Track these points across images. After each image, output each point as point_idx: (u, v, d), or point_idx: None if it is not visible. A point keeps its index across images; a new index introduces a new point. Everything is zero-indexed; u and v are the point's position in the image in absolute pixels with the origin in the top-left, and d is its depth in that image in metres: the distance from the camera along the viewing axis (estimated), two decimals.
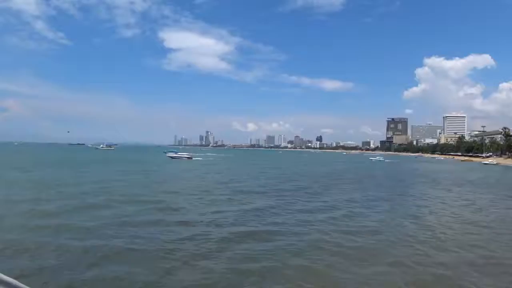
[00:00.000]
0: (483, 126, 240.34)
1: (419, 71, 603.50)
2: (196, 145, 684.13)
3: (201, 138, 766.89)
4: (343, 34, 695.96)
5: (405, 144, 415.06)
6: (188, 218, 19.65)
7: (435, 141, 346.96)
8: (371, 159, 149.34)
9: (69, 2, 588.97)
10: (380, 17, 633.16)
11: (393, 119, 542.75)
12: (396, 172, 73.14)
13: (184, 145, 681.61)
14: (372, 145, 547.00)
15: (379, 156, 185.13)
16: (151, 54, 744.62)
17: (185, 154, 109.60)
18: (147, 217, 19.62)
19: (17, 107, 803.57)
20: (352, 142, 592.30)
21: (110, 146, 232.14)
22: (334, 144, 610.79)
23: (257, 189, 34.10)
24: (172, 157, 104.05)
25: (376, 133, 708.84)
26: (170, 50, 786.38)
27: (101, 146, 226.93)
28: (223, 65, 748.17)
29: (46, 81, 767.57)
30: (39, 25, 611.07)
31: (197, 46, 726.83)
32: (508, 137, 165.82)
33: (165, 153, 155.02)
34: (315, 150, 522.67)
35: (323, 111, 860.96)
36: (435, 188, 41.05)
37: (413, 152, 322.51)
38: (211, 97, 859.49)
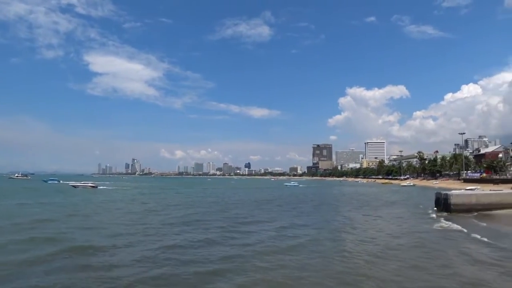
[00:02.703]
0: (400, 151, 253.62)
1: (342, 100, 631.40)
2: (121, 173, 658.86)
3: (127, 166, 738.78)
4: (270, 64, 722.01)
5: (330, 169, 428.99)
6: None
7: (358, 165, 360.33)
8: (286, 185, 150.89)
9: None
10: (306, 49, 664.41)
11: (318, 145, 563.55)
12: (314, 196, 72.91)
13: (109, 174, 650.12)
14: (299, 171, 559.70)
15: (293, 182, 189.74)
16: (75, 78, 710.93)
17: (89, 183, 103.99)
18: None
19: None
20: (280, 168, 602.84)
21: (26, 175, 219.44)
22: (262, 171, 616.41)
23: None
24: (75, 186, 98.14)
25: (303, 159, 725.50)
26: (96, 74, 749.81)
27: (16, 175, 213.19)
28: (151, 91, 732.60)
29: None
30: None
31: (124, 71, 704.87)
32: (423, 160, 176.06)
33: (45, 181, 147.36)
34: (239, 177, 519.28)
35: (252, 138, 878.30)
36: (360, 210, 42.41)
37: (337, 177, 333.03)
38: (138, 123, 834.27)
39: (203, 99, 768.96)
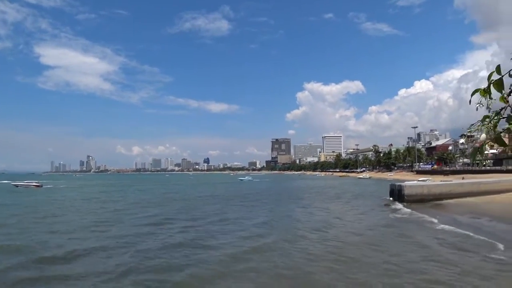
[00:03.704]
0: (357, 145, 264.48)
1: (300, 95, 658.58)
2: (76, 171, 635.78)
3: (81, 163, 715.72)
4: (229, 58, 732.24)
5: (289, 163, 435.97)
6: None
7: (315, 159, 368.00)
8: (240, 179, 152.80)
9: None
10: (265, 43, 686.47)
11: (277, 139, 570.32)
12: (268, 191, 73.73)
13: (63, 171, 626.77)
14: (258, 165, 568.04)
15: (248, 176, 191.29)
16: (24, 71, 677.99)
17: (33, 182, 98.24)
18: None
19: None
20: (239, 163, 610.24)
21: None
22: (221, 166, 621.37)
23: None
24: (17, 185, 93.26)
25: (262, 154, 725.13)
26: (47, 67, 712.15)
27: None
28: (106, 86, 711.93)
29: None
30: None
31: (78, 64, 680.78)
32: (378, 153, 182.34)
33: None
34: (196, 173, 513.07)
35: (210, 133, 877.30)
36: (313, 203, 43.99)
37: (296, 171, 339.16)
38: (93, 119, 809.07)
39: (161, 93, 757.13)
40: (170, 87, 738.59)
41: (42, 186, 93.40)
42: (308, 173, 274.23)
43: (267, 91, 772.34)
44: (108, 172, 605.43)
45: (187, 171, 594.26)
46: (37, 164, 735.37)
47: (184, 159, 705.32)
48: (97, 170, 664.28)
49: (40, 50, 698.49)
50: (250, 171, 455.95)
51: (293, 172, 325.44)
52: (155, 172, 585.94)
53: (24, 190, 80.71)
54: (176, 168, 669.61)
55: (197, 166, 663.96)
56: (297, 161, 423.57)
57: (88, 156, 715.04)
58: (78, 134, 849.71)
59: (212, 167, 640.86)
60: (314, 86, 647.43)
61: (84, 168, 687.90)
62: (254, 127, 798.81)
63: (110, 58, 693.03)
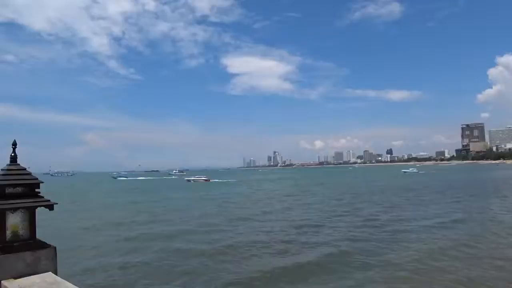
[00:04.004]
0: None
1: (492, 72, 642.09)
2: (264, 166, 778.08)
3: (269, 158, 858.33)
4: (404, 41, 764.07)
5: (483, 151, 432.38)
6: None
7: None
8: (404, 171, 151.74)
9: (137, 40, 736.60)
10: (443, 20, 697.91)
11: (467, 125, 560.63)
12: None
13: (253, 167, 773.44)
14: (447, 155, 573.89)
15: (412, 168, 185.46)
16: (215, 81, 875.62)
17: (202, 177, 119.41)
18: None
19: (95, 140, 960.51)
20: (425, 153, 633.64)
21: (182, 171, 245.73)
22: (405, 157, 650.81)
23: None
24: (188, 180, 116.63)
25: (451, 142, 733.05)
26: (234, 75, 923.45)
27: (174, 171, 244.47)
28: (286, 85, 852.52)
29: (119, 114, 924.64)
30: (112, 64, 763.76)
31: (259, 69, 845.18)
32: None
33: (114, 178, 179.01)
34: (355, 166, 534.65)
35: (392, 123, 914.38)
36: None
37: (493, 159, 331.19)
38: (277, 117, 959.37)
39: (338, 87, 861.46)
40: (346, 80, 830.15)
41: (209, 181, 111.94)
42: (510, 162, 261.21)
43: (451, 72, 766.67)
44: (293, 166, 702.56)
45: (369, 163, 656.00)
46: (232, 160, 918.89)
47: (366, 151, 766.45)
48: (283, 165, 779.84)
49: (227, 61, 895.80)
50: (438, 162, 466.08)
51: (490, 162, 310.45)
52: (337, 165, 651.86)
53: (194, 185, 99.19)
54: (359, 161, 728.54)
55: (379, 158, 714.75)
56: (494, 148, 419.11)
57: (275, 152, 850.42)
58: (265, 132, 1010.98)
59: (396, 158, 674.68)
60: (510, 58, 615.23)
61: (272, 163, 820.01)
62: (440, 113, 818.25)
63: (287, 59, 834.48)
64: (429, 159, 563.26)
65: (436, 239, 22.28)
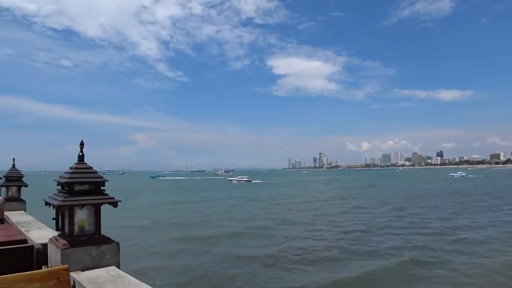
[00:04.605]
0: None
1: None
2: (310, 167, 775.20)
3: (314, 160, 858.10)
4: (455, 39, 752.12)
5: None
6: None
7: None
8: (451, 175, 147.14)
9: (184, 43, 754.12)
10: (497, 14, 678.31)
11: None
12: None
13: (298, 168, 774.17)
14: (502, 158, 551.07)
15: (460, 171, 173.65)
16: (261, 82, 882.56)
17: (244, 178, 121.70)
18: None
19: (144, 140, 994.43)
20: (478, 156, 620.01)
21: (228, 172, 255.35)
22: (457, 159, 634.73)
23: None
24: (231, 181, 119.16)
25: (507, 144, 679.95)
26: (279, 76, 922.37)
27: (220, 171, 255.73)
28: (332, 86, 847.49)
29: (167, 115, 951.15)
30: (161, 67, 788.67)
31: (305, 70, 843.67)
32: None
33: (153, 177, 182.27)
34: (405, 167, 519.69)
35: (443, 124, 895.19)
36: None
37: None
38: (323, 118, 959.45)
39: (386, 87, 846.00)
40: (394, 80, 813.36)
41: (251, 181, 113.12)
42: None
43: (506, 70, 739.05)
44: (339, 168, 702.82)
45: (418, 166, 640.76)
46: (277, 161, 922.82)
47: (414, 153, 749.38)
48: (328, 166, 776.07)
49: (272, 63, 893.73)
50: (493, 165, 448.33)
51: None
52: (385, 168, 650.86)
53: (236, 185, 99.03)
54: (407, 163, 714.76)
55: (429, 161, 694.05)
56: None
57: (320, 153, 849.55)
58: (310, 133, 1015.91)
59: (447, 161, 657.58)
60: None
61: (317, 165, 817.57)
62: (494, 113, 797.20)
63: (333, 60, 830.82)
64: (483, 162, 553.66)
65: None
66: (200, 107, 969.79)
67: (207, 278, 16.02)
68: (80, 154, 3.75)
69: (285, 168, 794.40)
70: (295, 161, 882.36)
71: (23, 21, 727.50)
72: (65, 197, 3.47)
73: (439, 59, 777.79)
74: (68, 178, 3.55)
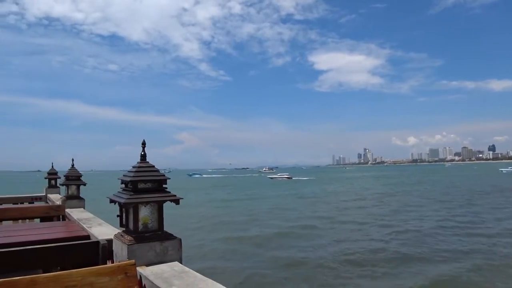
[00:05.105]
0: None
1: None
2: (354, 164, 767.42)
3: (359, 156, 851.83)
4: (505, 25, 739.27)
5: None
6: None
7: None
8: (501, 170, 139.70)
9: (225, 43, 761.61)
10: None
11: None
12: None
13: (342, 164, 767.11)
14: None
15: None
16: (302, 78, 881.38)
17: (285, 175, 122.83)
18: None
19: (189, 139, 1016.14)
20: None
21: (271, 169, 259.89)
22: (511, 153, 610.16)
23: None
24: (271, 178, 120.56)
25: None
26: (321, 72, 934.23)
27: (264, 169, 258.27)
28: (375, 80, 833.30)
29: (211, 114, 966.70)
30: (203, 67, 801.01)
31: (347, 64, 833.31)
32: None
33: (189, 175, 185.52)
34: (453, 162, 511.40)
35: (494, 116, 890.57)
36: None
37: None
38: (366, 113, 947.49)
39: (432, 79, 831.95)
40: (440, 71, 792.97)
41: (292, 178, 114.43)
42: None
43: None
44: (385, 164, 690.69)
45: (468, 160, 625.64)
46: (321, 158, 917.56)
47: (464, 147, 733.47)
48: (373, 162, 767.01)
49: (313, 58, 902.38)
50: None
51: None
52: (432, 163, 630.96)
53: (279, 182, 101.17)
54: (456, 158, 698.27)
55: (480, 155, 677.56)
56: None
57: (365, 149, 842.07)
58: (354, 129, 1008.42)
59: (499, 155, 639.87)
60: None
61: (362, 161, 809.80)
62: None
63: (376, 53, 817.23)
64: None
65: None
66: (243, 105, 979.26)
67: (259, 283, 15.64)
68: (143, 153, 3.87)
69: (329, 165, 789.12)
70: (339, 157, 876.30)
71: (72, 30, 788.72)
72: (130, 195, 3.61)
73: (488, 47, 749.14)
74: (133, 176, 3.68)
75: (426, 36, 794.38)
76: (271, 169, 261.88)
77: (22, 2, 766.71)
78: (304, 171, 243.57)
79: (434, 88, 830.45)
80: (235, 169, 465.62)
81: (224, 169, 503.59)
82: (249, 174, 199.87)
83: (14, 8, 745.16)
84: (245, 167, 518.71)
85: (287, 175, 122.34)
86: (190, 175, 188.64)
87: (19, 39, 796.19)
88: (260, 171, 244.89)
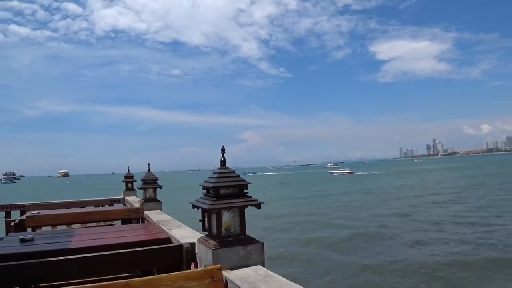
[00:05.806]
0: None
1: None
2: (423, 156, 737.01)
3: (428, 147, 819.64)
4: None
5: None
6: None
7: None
8: None
9: (283, 40, 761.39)
10: None
11: None
12: None
13: (410, 157, 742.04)
14: None
15: None
16: (364, 70, 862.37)
17: (346, 170, 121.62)
18: None
19: (253, 137, 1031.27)
20: None
21: (337, 164, 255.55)
22: None
23: None
24: (332, 173, 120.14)
25: None
26: (383, 62, 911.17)
27: (329, 164, 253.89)
28: (442, 66, 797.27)
29: (273, 112, 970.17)
30: (263, 65, 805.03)
31: (410, 52, 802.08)
32: None
33: (244, 174, 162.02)
34: None
35: None
36: None
37: None
38: (434, 102, 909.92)
39: (506, 60, 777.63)
40: None
41: (353, 173, 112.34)
42: None
43: None
44: (457, 155, 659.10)
45: None
46: (387, 151, 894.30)
47: None
48: (444, 154, 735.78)
49: (374, 48, 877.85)
50: None
51: None
52: (510, 152, 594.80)
53: (341, 178, 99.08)
54: None
55: None
56: None
57: (434, 140, 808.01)
58: (422, 119, 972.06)
59: None
60: None
61: (431, 152, 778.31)
62: None
63: (441, 37, 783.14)
64: None
65: None
66: (305, 101, 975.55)
67: None
68: (222, 159, 3.97)
69: (396, 158, 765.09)
70: (407, 149, 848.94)
71: (137, 40, 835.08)
72: (213, 200, 3.72)
73: None
74: (215, 182, 3.79)
75: (496, 14, 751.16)
76: (336, 164, 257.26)
77: (91, 18, 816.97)
78: (367, 165, 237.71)
79: (508, 70, 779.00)
80: (300, 165, 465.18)
81: (288, 165, 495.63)
82: (312, 171, 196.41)
83: (85, 24, 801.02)
84: (310, 163, 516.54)
85: (348, 170, 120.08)
86: (245, 174, 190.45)
87: (90, 52, 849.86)
88: (325, 167, 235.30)
